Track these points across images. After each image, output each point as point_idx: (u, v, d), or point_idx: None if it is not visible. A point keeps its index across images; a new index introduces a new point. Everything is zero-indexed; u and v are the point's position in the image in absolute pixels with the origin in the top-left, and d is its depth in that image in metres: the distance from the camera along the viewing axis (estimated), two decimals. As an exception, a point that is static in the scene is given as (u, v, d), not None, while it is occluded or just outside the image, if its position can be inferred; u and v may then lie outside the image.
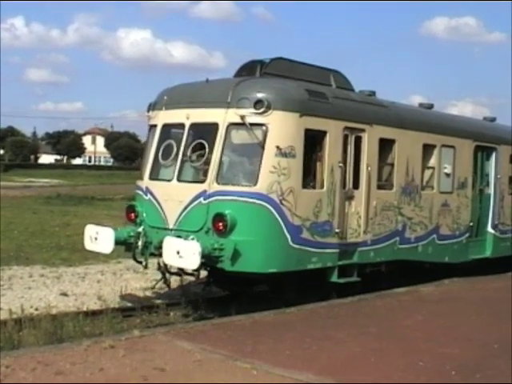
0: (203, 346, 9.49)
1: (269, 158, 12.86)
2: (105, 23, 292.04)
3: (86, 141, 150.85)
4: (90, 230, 13.82)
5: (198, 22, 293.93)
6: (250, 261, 12.74)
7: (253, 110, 12.92)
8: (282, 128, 13.09)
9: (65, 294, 15.45)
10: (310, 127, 13.46)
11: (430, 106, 18.61)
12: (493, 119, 21.15)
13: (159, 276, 16.75)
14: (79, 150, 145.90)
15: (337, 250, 14.06)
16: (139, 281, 17.34)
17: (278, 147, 12.90)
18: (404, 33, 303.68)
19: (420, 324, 11.96)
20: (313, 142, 13.67)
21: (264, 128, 12.95)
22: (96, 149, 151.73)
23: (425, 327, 11.71)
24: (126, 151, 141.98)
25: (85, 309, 13.94)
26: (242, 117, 12.91)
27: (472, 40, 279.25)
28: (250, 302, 14.35)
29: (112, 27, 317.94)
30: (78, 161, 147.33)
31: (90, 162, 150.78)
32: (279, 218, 12.94)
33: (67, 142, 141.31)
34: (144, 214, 13.95)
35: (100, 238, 13.58)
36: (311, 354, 9.42)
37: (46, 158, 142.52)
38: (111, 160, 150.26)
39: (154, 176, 14.17)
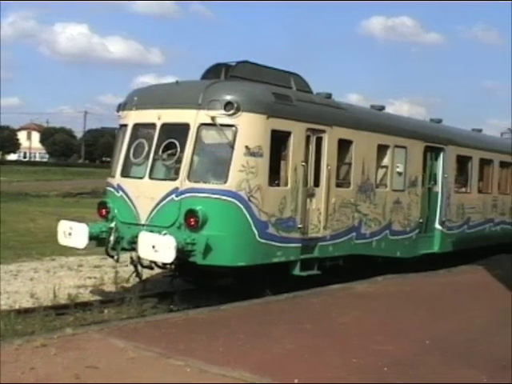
0: (136, 344, 9.45)
1: (238, 157, 13.55)
2: (41, 17, 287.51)
3: (22, 136, 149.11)
4: (64, 226, 14.23)
5: (135, 17, 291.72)
6: (220, 255, 13.39)
7: (223, 112, 13.59)
8: (250, 129, 13.79)
9: (-4, 293, 15.23)
10: (276, 128, 14.19)
11: (382, 108, 19.52)
12: (439, 120, 22.17)
13: (94, 273, 17.41)
14: (14, 146, 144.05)
15: (299, 245, 14.80)
16: (73, 278, 17.29)
17: (246, 147, 13.59)
18: (342, 32, 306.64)
19: (354, 321, 12.05)
20: (278, 142, 14.37)
21: (234, 129, 13.63)
22: (31, 144, 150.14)
23: (359, 324, 11.81)
24: (62, 147, 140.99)
25: (17, 307, 13.78)
26: (213, 118, 13.58)
27: (409, 40, 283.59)
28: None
29: (49, 21, 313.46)
30: (12, 156, 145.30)
31: (25, 157, 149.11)
32: (247, 214, 13.64)
33: (2, 138, 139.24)
34: (115, 210, 14.47)
35: (74, 233, 14.01)
36: (245, 351, 9.43)
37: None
38: (47, 156, 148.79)
39: (126, 173, 14.70)
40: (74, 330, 10.42)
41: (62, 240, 14.30)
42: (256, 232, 13.80)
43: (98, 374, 8.02)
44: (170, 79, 16.00)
